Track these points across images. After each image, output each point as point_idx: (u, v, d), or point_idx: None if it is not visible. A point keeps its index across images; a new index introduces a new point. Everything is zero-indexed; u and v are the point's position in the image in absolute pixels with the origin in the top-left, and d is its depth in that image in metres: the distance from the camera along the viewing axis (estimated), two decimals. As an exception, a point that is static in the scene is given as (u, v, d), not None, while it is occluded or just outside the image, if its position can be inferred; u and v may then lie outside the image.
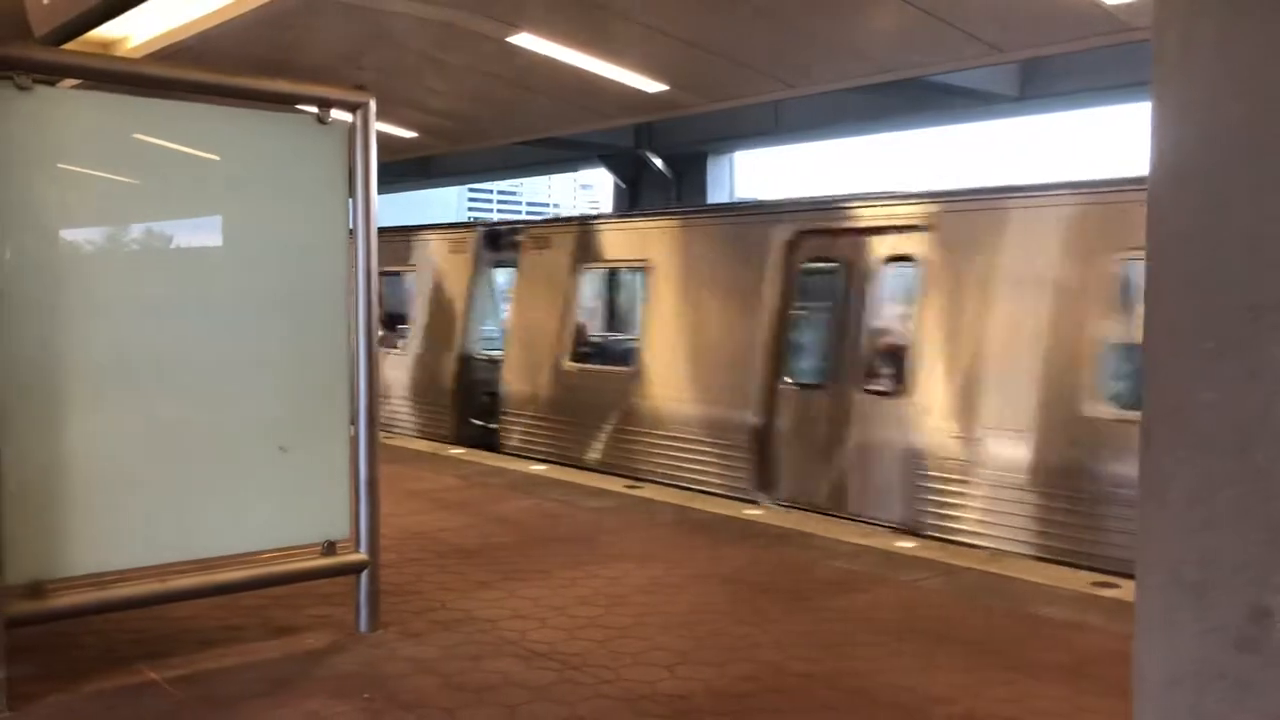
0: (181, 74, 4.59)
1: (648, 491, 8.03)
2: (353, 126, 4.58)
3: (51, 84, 4.42)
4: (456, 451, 10.14)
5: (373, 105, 4.60)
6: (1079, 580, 5.61)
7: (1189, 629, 1.74)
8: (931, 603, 5.24)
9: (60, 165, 4.01)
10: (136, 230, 4.33)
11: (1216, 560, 1.69)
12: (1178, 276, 1.77)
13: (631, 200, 18.87)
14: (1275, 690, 1.63)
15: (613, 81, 9.96)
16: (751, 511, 7.39)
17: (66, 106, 4.09)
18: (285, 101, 4.57)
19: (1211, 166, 1.71)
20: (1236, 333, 1.66)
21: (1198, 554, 1.73)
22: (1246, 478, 1.66)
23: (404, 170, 21.60)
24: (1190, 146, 1.75)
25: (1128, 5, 7.59)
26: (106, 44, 10.06)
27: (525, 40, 8.80)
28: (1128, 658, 1.83)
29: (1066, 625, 4.90)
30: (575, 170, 23.53)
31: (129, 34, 9.96)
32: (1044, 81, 12.97)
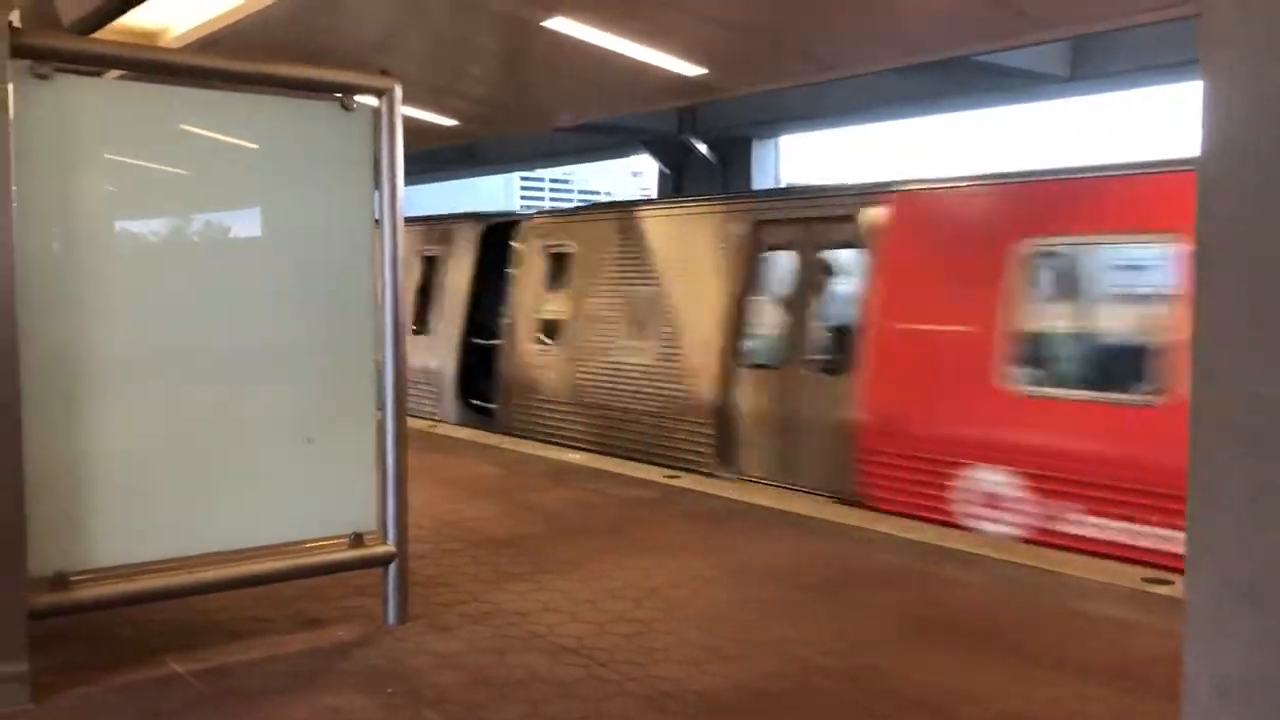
0: (203, 61, 4.55)
1: (685, 481, 7.92)
2: (378, 112, 4.51)
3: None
4: (495, 439, 10.10)
5: (398, 91, 4.53)
6: (1129, 576, 5.43)
7: (1240, 635, 1.65)
8: (972, 598, 5.09)
9: (83, 155, 3.97)
10: (160, 221, 4.29)
11: (1270, 564, 1.60)
12: (1229, 262, 1.65)
13: (676, 186, 18.73)
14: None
15: (650, 65, 9.79)
16: (793, 503, 7.26)
17: (88, 95, 4.03)
18: (310, 88, 4.49)
19: (1265, 141, 1.59)
20: (1293, 322, 1.55)
21: (1249, 557, 1.64)
22: (1304, 477, 1.55)
23: (450, 158, 21.62)
24: (1242, 121, 1.64)
25: (1183, -22, 7.31)
26: (149, 34, 10.10)
27: (560, 24, 8.69)
28: (1178, 659, 1.72)
29: (1114, 623, 4.73)
30: (623, 157, 23.40)
31: (170, 25, 10.00)
32: (1096, 60, 12.65)
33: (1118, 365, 7.23)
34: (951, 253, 7.96)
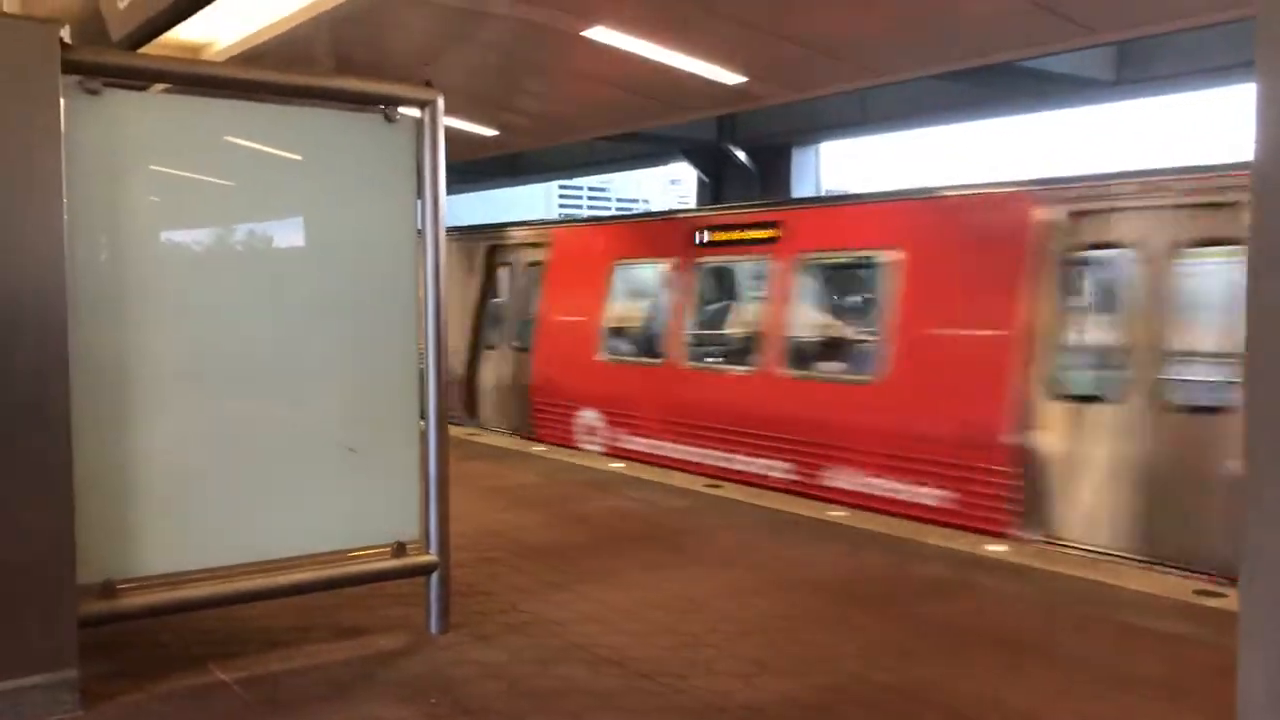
0: (248, 74, 4.59)
1: (728, 491, 7.89)
2: (421, 124, 4.53)
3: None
4: (538, 448, 10.13)
5: (440, 102, 4.54)
6: (1180, 588, 5.33)
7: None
8: (1022, 611, 5.01)
9: (131, 168, 4.02)
10: (206, 232, 4.33)
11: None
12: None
13: (715, 194, 18.70)
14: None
15: (690, 74, 9.82)
16: (836, 513, 7.20)
17: (136, 109, 4.09)
18: (353, 100, 4.52)
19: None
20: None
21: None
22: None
23: (491, 168, 21.76)
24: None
25: (1232, -20, 7.19)
26: (195, 48, 10.26)
27: (600, 34, 8.72)
28: (1232, 673, 1.67)
29: (1166, 636, 4.63)
30: (662, 165, 23.44)
31: (215, 38, 10.15)
32: (1141, 64, 12.48)
33: (650, 343, 11.74)
34: (576, 269, 12.57)
